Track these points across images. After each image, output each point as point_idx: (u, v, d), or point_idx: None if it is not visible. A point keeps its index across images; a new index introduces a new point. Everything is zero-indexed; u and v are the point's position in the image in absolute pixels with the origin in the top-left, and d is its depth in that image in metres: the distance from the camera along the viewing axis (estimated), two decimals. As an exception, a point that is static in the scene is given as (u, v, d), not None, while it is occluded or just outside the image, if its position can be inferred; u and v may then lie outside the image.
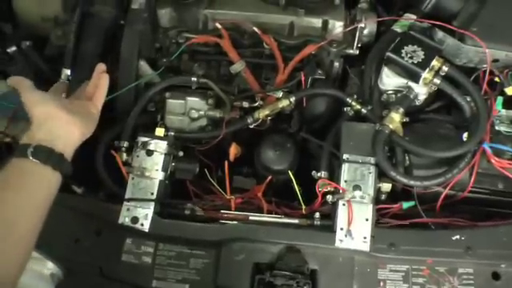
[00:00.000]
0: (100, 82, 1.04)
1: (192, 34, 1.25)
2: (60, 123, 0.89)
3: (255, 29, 1.22)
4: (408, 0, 1.22)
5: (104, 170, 1.12)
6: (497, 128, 1.09)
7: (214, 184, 1.17)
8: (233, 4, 1.27)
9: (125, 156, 1.10)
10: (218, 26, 1.24)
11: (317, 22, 1.25)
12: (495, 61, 1.12)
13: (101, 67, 1.06)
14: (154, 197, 1.06)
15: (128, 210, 1.05)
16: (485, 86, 1.10)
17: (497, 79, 1.12)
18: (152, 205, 1.05)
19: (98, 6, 1.19)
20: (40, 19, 1.30)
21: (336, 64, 1.27)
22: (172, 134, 1.13)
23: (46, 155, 0.85)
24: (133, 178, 1.08)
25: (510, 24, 1.10)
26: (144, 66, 1.23)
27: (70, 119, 0.90)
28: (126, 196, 1.06)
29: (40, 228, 0.83)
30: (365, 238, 1.00)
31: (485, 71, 1.11)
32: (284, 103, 1.18)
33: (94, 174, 1.13)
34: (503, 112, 1.11)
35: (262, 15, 1.25)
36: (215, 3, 1.27)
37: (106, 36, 1.21)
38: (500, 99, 1.10)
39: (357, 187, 1.03)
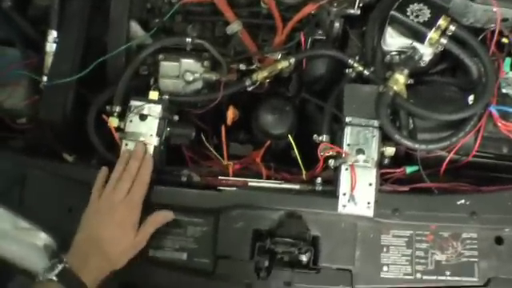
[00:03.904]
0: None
1: (185, -7, 1.18)
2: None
3: (252, -14, 1.16)
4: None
5: (96, 136, 1.07)
6: (504, 91, 1.05)
7: (211, 150, 1.13)
8: (229, -41, 1.20)
9: (117, 121, 1.05)
10: (213, -17, 1.17)
11: (317, -21, 1.19)
12: (504, 20, 1.07)
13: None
14: (150, 163, 1.02)
15: (122, 177, 1.01)
16: (493, 46, 1.05)
17: (504, 40, 1.08)
18: (147, 172, 1.01)
19: (83, -38, 1.12)
20: (21, -24, 1.22)
21: (336, 24, 1.20)
22: (166, 97, 1.08)
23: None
24: (126, 145, 1.03)
25: (522, -20, 1.05)
26: (135, 27, 1.16)
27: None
28: (120, 163, 1.02)
29: None
30: (368, 203, 0.97)
31: (493, 31, 1.06)
32: (283, 65, 1.13)
33: (85, 140, 1.08)
34: (510, 74, 1.07)
35: (260, -29, 1.19)
36: (209, -42, 1.20)
37: (93, -7, 1.14)
38: (508, 60, 1.06)
39: (360, 151, 1.00)
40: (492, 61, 1.03)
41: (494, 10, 1.04)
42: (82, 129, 1.09)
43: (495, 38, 1.05)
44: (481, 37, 1.07)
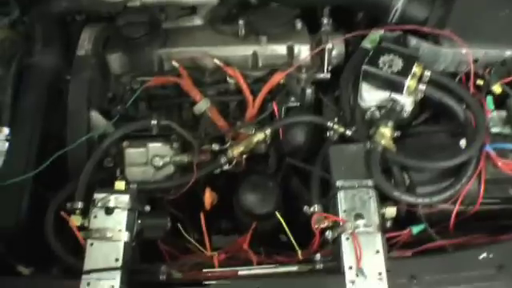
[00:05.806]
0: None
1: (147, 77, 1.13)
2: None
3: (217, 61, 1.12)
4: (372, 15, 1.16)
5: (56, 240, 0.93)
6: (493, 130, 1.00)
7: (192, 241, 1.00)
8: (189, 40, 1.17)
9: (80, 219, 0.92)
10: (175, 64, 1.13)
11: (281, 48, 1.17)
12: (475, 61, 1.06)
13: None
14: (120, 264, 0.88)
15: (88, 284, 0.87)
16: (472, 87, 1.02)
17: (479, 81, 1.05)
18: (118, 274, 0.87)
19: (37, 56, 1.07)
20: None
21: (308, 91, 1.17)
22: (135, 185, 0.96)
23: None
24: (91, 244, 0.89)
25: (482, 21, 1.06)
26: (96, 116, 1.09)
27: None
28: (85, 267, 0.88)
29: None
30: (380, 273, 0.84)
31: (466, 74, 1.04)
32: (259, 137, 1.06)
33: (44, 245, 0.93)
34: (494, 113, 1.03)
35: (222, 48, 1.16)
36: (170, 41, 1.17)
37: (50, 88, 1.08)
38: (490, 98, 1.02)
39: (359, 216, 0.89)
40: (477, 100, 0.98)
41: (464, 51, 1.02)
42: (40, 233, 0.94)
43: (472, 78, 1.02)
44: (457, 79, 1.04)
